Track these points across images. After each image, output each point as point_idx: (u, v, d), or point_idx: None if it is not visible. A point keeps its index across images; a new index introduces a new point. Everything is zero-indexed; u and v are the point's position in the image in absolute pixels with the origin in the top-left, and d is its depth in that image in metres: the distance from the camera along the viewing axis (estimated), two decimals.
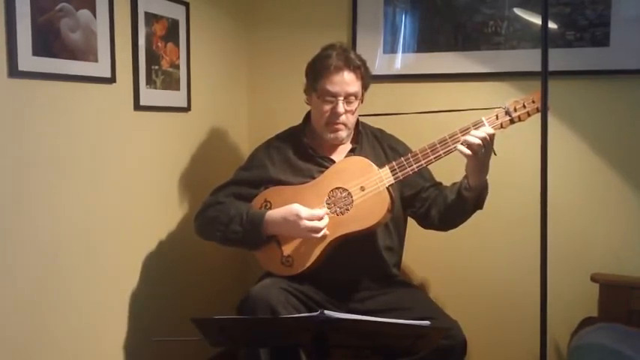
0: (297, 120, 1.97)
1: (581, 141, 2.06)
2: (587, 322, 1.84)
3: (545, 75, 1.29)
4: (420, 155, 1.71)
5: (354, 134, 1.91)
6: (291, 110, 2.02)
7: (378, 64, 2.29)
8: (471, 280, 2.23)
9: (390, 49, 2.29)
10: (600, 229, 2.05)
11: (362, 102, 1.86)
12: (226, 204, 1.83)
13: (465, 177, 1.71)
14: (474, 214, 1.78)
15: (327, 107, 1.80)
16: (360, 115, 1.92)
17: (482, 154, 1.62)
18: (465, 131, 1.66)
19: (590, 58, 2.01)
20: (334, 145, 1.89)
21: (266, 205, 1.82)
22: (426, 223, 1.87)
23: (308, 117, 1.95)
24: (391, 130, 1.99)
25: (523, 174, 2.03)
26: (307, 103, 1.91)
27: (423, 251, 2.20)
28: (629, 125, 2.00)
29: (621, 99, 2.01)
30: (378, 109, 2.00)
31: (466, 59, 2.17)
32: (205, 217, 1.85)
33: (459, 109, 1.76)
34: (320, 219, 1.71)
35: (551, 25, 2.02)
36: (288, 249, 1.77)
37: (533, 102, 1.64)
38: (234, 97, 2.48)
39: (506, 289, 2.17)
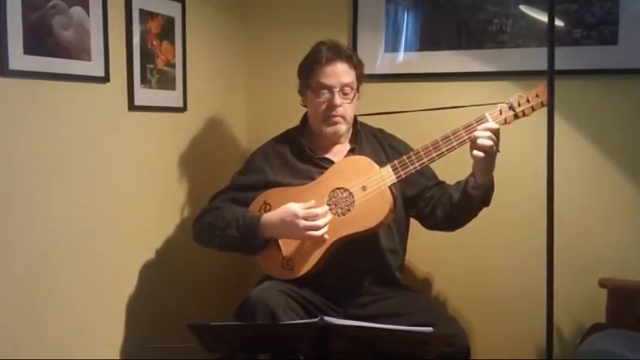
0: (297, 120, 1.95)
1: (588, 142, 2.03)
2: (595, 328, 1.81)
3: (551, 74, 1.27)
4: (422, 153, 1.69)
5: (352, 134, 1.89)
6: (291, 110, 1.99)
7: (380, 63, 2.26)
8: (474, 285, 2.19)
9: (392, 47, 2.26)
10: (608, 232, 2.02)
11: (358, 92, 1.84)
12: (223, 209, 1.81)
13: (472, 175, 1.69)
14: (479, 215, 1.75)
15: (323, 101, 1.79)
16: (358, 115, 1.90)
17: (491, 152, 1.61)
18: (468, 128, 1.65)
19: (598, 57, 1.98)
20: (333, 145, 1.87)
21: (265, 207, 1.80)
22: (430, 223, 1.85)
23: (305, 118, 1.93)
24: (393, 130, 1.97)
25: (529, 176, 1.99)
26: (303, 105, 1.90)
27: (425, 254, 2.18)
28: (638, 126, 1.97)
29: (630, 99, 1.97)
30: (380, 109, 1.97)
31: (470, 58, 2.14)
32: (202, 224, 1.84)
33: (461, 106, 1.75)
34: (317, 216, 1.68)
35: (558, 22, 2.00)
36: (288, 252, 1.74)
37: (537, 96, 1.63)
38: (232, 97, 2.45)
39: (511, 295, 2.13)
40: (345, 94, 1.79)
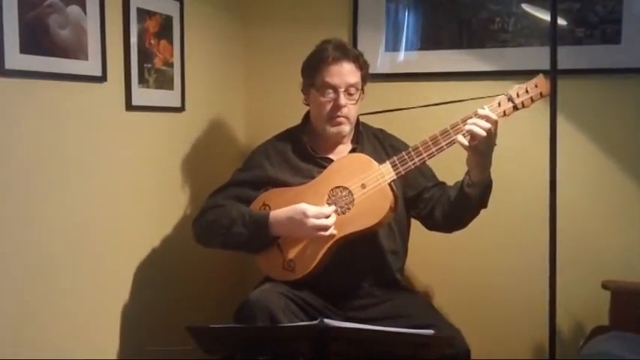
0: (297, 120, 1.93)
1: (590, 142, 2.01)
2: (598, 331, 1.78)
3: (554, 74, 1.25)
4: (421, 148, 1.67)
5: (354, 134, 1.88)
6: (290, 110, 1.98)
7: (380, 63, 2.24)
8: (475, 287, 2.18)
9: (392, 46, 2.24)
10: (612, 233, 2.00)
11: (363, 93, 1.82)
12: (226, 207, 1.79)
13: (467, 173, 1.67)
14: (479, 216, 1.73)
15: (328, 100, 1.76)
16: (359, 115, 1.87)
17: (484, 145, 1.58)
18: (467, 121, 1.62)
19: (601, 56, 1.96)
20: (335, 145, 1.85)
21: (264, 209, 1.78)
22: (430, 223, 1.83)
23: (307, 117, 1.91)
24: (393, 129, 1.96)
25: (531, 176, 1.99)
26: (305, 103, 1.87)
27: (426, 256, 2.15)
28: None
29: (633, 98, 1.95)
30: (380, 109, 1.95)
31: (471, 57, 2.13)
32: (205, 221, 1.81)
33: (459, 100, 1.71)
34: (327, 217, 1.67)
35: (560, 21, 1.98)
36: (289, 253, 1.73)
37: (536, 87, 1.61)
38: (231, 97, 2.43)
39: (513, 297, 2.12)
40: (350, 94, 1.77)
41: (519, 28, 2.06)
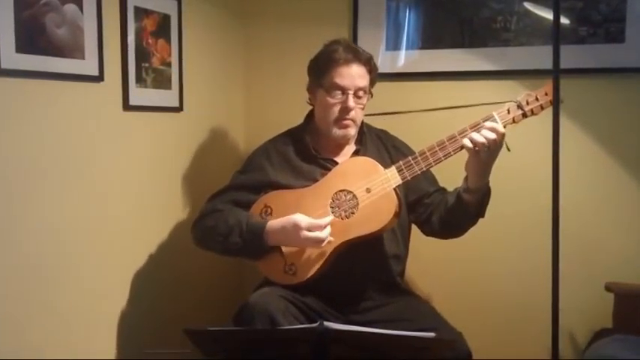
0: (297, 120, 1.91)
1: (594, 142, 2.00)
2: (601, 333, 1.77)
3: (556, 73, 1.24)
4: (428, 153, 1.65)
5: (358, 135, 1.86)
6: (291, 110, 1.96)
7: (381, 62, 2.21)
8: (477, 290, 2.17)
9: (393, 45, 2.23)
10: (615, 235, 1.98)
11: (371, 96, 1.80)
12: (225, 212, 1.77)
13: (465, 178, 1.65)
14: (479, 222, 1.71)
15: (336, 102, 1.75)
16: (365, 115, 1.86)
17: (485, 154, 1.56)
18: (475, 127, 1.60)
19: (604, 55, 1.94)
20: (338, 147, 1.83)
21: (266, 211, 1.76)
22: (427, 229, 1.82)
23: (309, 117, 1.89)
24: (395, 131, 1.94)
25: (533, 177, 1.98)
26: (310, 103, 1.85)
27: (427, 260, 2.14)
28: None
29: (636, 98, 1.94)
30: (381, 109, 1.93)
31: (473, 57, 2.11)
32: (203, 227, 1.80)
33: (468, 105, 1.69)
34: (322, 228, 1.64)
35: (563, 20, 1.96)
36: (291, 257, 1.71)
37: (546, 94, 1.59)
38: (230, 97, 2.42)
39: (515, 300, 2.11)
40: (358, 97, 1.75)
41: (521, 26, 2.04)
